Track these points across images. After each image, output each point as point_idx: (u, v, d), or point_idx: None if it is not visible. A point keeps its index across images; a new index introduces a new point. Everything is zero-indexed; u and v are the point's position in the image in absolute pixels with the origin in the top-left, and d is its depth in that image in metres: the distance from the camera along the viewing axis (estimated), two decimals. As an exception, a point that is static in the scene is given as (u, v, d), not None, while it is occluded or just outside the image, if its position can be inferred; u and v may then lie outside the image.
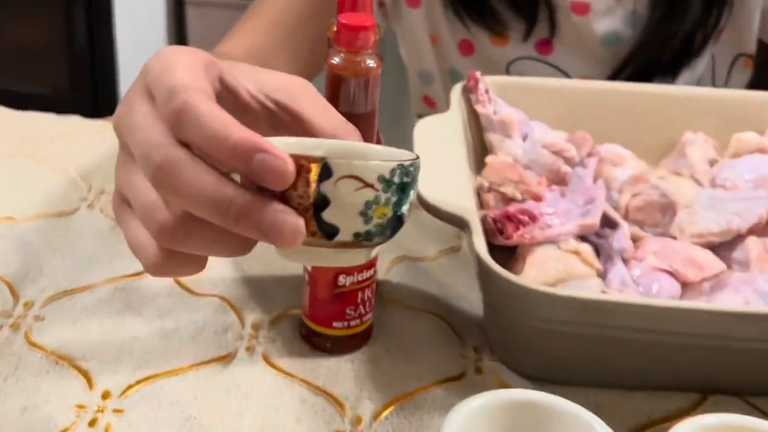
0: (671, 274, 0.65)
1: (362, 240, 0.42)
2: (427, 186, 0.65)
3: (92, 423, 0.55)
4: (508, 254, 0.67)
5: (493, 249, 0.61)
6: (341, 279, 0.60)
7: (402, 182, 0.42)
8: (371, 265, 0.61)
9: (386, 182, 0.41)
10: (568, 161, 0.77)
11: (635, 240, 0.69)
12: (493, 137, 0.78)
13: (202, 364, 0.60)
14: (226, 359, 0.61)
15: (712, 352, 0.59)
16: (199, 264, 0.43)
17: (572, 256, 0.65)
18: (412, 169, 0.42)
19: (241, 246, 0.41)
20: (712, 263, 0.65)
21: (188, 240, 0.41)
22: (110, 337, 0.62)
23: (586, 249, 0.65)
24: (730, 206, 0.69)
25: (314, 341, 0.63)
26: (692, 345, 0.59)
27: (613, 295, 0.59)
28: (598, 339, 0.59)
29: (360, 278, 0.61)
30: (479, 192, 0.71)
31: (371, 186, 0.40)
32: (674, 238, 0.70)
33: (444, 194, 0.65)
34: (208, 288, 0.68)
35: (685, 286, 0.65)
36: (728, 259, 0.68)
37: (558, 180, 0.76)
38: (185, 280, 0.69)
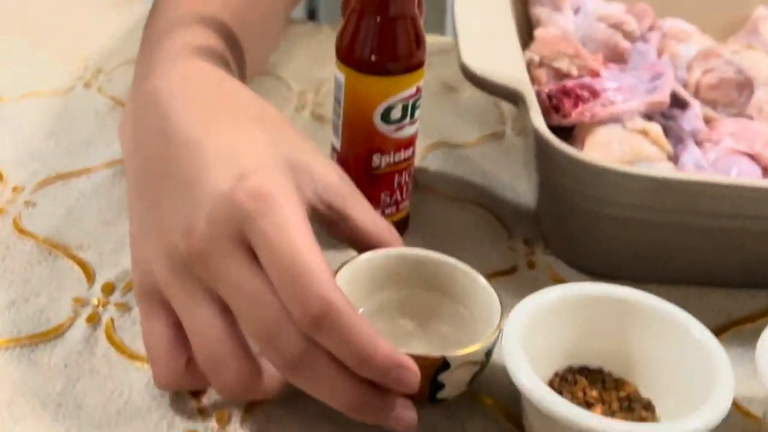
0: (752, 157, 0.57)
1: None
2: (475, 57, 0.57)
3: (91, 318, 0.47)
4: (564, 137, 0.58)
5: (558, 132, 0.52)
6: (375, 159, 0.52)
7: (486, 359, 0.43)
8: (409, 143, 0.53)
9: (489, 353, 0.43)
10: (628, 36, 0.68)
11: (707, 122, 0.60)
12: (540, 11, 0.69)
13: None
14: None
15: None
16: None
17: (639, 136, 0.56)
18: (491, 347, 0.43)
19: None
20: (799, 146, 0.57)
21: (252, 394, 0.41)
22: (110, 226, 0.54)
23: (656, 128, 0.57)
24: (817, 82, 0.61)
25: (343, 232, 0.55)
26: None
27: (699, 175, 0.51)
28: (675, 227, 0.51)
29: (396, 159, 0.52)
30: (529, 67, 0.62)
31: (481, 363, 0.43)
32: (751, 118, 0.61)
33: (494, 66, 0.56)
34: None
35: (766, 171, 0.57)
36: (814, 142, 0.59)
37: (616, 57, 0.67)
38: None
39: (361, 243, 0.46)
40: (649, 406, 0.44)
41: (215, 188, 0.38)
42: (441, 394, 0.42)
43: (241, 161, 0.40)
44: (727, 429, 0.42)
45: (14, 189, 0.57)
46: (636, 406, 0.44)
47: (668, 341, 0.44)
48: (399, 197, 0.54)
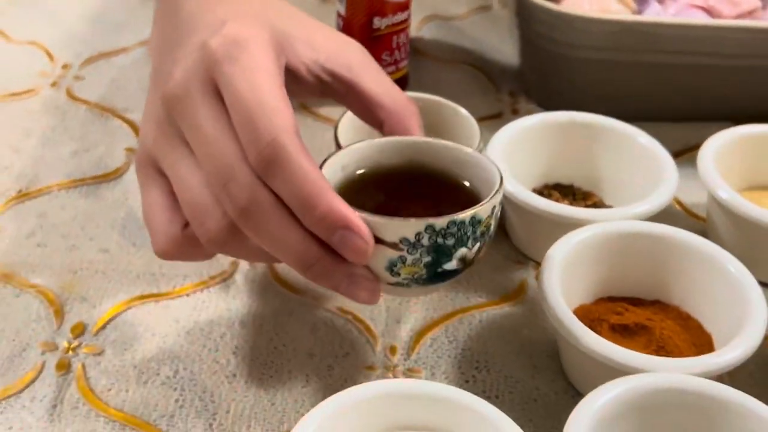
0: (706, 10, 0.65)
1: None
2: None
3: (143, 163, 0.57)
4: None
5: None
6: (376, 22, 0.60)
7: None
8: (405, 6, 0.61)
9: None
10: None
11: (670, -17, 0.68)
12: None
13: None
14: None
15: (746, 73, 0.60)
16: (210, 256, 0.41)
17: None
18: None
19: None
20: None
21: (237, 249, 0.38)
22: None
23: (622, -12, 0.64)
24: (768, -57, 0.68)
25: (351, 90, 0.64)
26: (727, 68, 0.59)
27: (650, 17, 0.59)
28: (636, 66, 0.59)
29: (394, 21, 0.60)
30: (510, -58, 0.70)
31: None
32: (710, -21, 0.68)
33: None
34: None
35: (721, 22, 0.65)
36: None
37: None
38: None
39: (374, 115, 0.43)
40: None
41: (195, 41, 0.39)
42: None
43: (227, 22, 0.39)
44: (678, 224, 0.51)
45: (63, 66, 0.65)
46: None
47: (623, 154, 0.53)
48: (398, 57, 0.62)
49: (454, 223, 0.38)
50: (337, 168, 0.42)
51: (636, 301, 0.47)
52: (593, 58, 0.59)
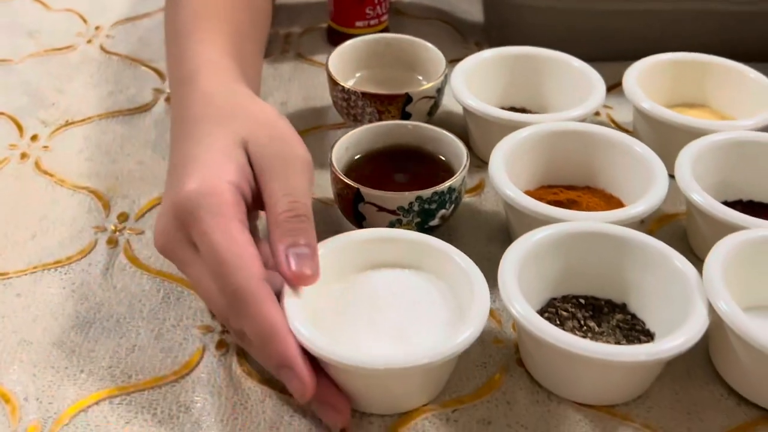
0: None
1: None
2: None
3: (167, 99, 0.68)
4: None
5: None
6: (360, -19, 0.72)
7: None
8: (385, -33, 0.72)
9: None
10: None
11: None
12: None
13: (249, 61, 0.73)
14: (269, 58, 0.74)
15: (675, 15, 0.71)
16: None
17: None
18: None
19: None
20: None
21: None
22: (171, 47, 0.75)
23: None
24: None
25: (340, 41, 0.75)
26: (657, 11, 0.70)
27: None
28: (577, 13, 0.71)
29: (376, -20, 0.72)
30: None
31: (434, 97, 0.59)
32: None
33: None
34: (246, 12, 0.80)
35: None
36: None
37: None
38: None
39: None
40: None
41: (166, 198, 0.47)
42: (411, 119, 0.62)
43: (188, 172, 0.45)
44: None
45: (96, 28, 0.77)
46: None
47: (562, 78, 0.64)
48: (380, 11, 0.74)
49: (436, 193, 0.52)
50: (342, 150, 0.55)
51: (570, 187, 0.58)
52: (540, 6, 0.70)
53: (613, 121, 0.67)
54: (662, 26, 0.72)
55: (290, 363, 0.42)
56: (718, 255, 0.46)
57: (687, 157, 0.55)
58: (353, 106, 0.62)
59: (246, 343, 0.46)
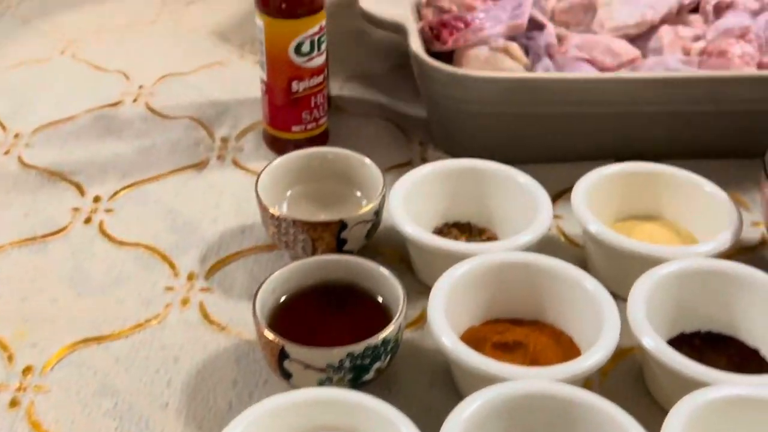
0: (591, 62, 0.73)
1: None
2: (369, 1, 0.72)
3: (87, 221, 0.63)
4: (446, 62, 0.74)
5: (439, 57, 0.68)
6: (294, 85, 0.67)
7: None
8: (320, 71, 0.68)
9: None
10: (501, -24, 0.84)
11: (560, 39, 0.76)
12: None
13: (179, 170, 0.69)
14: (200, 166, 0.69)
15: (625, 119, 0.67)
16: None
17: (501, 54, 0.72)
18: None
19: None
20: (628, 50, 0.73)
21: None
22: (95, 156, 0.70)
23: (515, 46, 0.72)
24: (644, 0, 0.76)
25: (277, 146, 0.71)
26: (607, 114, 0.67)
27: (535, 74, 0.67)
28: (525, 117, 0.67)
29: (311, 84, 0.68)
30: (418, 8, 0.78)
31: (372, 221, 0.54)
32: (595, 33, 0.77)
33: (383, 6, 0.72)
34: (178, 112, 0.76)
35: (604, 72, 0.73)
36: (644, 49, 0.75)
37: (492, -5, 0.83)
38: (156, 107, 0.76)
39: None
40: None
41: None
42: (347, 247, 0.58)
43: None
44: (562, 253, 0.59)
45: (15, 135, 0.72)
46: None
47: (508, 194, 0.60)
48: (318, 114, 0.70)
49: (369, 347, 0.47)
50: (268, 293, 0.51)
51: (518, 321, 0.54)
52: (487, 112, 0.66)
53: (564, 234, 0.63)
54: (614, 128, 0.68)
55: None
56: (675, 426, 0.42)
57: (640, 292, 0.51)
58: (284, 233, 0.57)
59: None
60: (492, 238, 0.61)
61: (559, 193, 0.67)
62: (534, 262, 0.53)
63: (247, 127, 0.74)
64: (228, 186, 0.67)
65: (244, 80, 0.80)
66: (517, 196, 0.60)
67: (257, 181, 0.59)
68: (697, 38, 0.75)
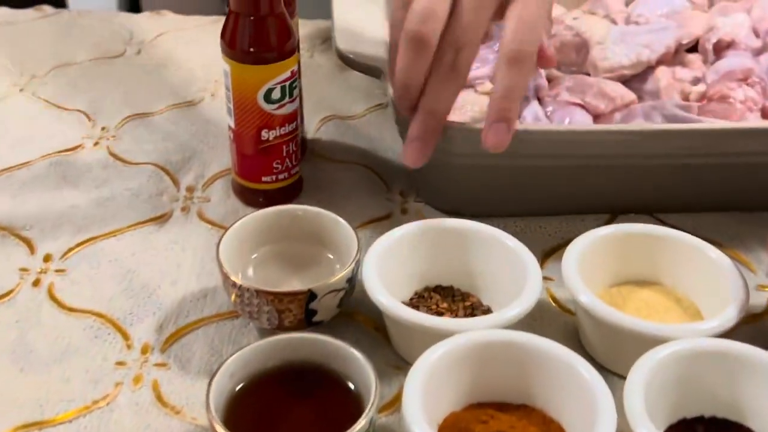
0: (583, 107, 0.68)
1: None
2: (346, 42, 0.67)
3: (36, 283, 0.58)
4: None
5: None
6: (264, 134, 0.62)
7: (354, 275, 0.52)
8: (293, 118, 0.63)
9: (350, 280, 0.52)
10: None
11: (551, 80, 0.72)
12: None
13: (139, 225, 0.63)
14: (162, 219, 0.64)
15: (621, 172, 0.63)
16: None
17: (487, 98, 0.67)
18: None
19: None
20: (623, 93, 0.68)
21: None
22: (49, 208, 0.64)
23: (501, 89, 0.68)
24: (640, 39, 0.72)
25: (247, 197, 0.66)
26: (601, 167, 0.62)
27: (522, 125, 0.62)
28: (513, 169, 0.62)
29: (282, 132, 0.63)
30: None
31: (344, 289, 0.53)
32: (588, 74, 0.72)
33: (361, 48, 0.67)
34: (142, 158, 0.71)
35: (597, 118, 0.68)
36: (640, 91, 0.71)
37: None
38: (118, 152, 0.71)
39: None
40: (488, 311, 0.56)
41: None
42: (316, 318, 0.53)
43: None
44: (552, 320, 0.54)
45: (-36, 184, 0.67)
46: (477, 313, 0.56)
47: (494, 257, 0.55)
48: (290, 164, 0.65)
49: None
50: (225, 378, 0.45)
51: (504, 406, 0.49)
52: (471, 164, 0.61)
53: (555, 299, 0.58)
54: (608, 181, 0.64)
55: (512, 122, 0.54)
56: None
57: (638, 377, 0.46)
58: (248, 304, 0.52)
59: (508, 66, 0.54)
60: (476, 305, 0.56)
61: (550, 251, 0.62)
62: (522, 343, 0.48)
63: (216, 174, 0.69)
64: (191, 242, 0.62)
65: (216, 121, 0.76)
66: (503, 259, 0.55)
67: (219, 244, 0.54)
68: (696, 80, 0.70)
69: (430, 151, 0.56)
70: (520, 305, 0.51)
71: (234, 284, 0.52)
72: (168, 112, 0.77)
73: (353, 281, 0.54)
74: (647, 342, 0.48)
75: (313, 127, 0.75)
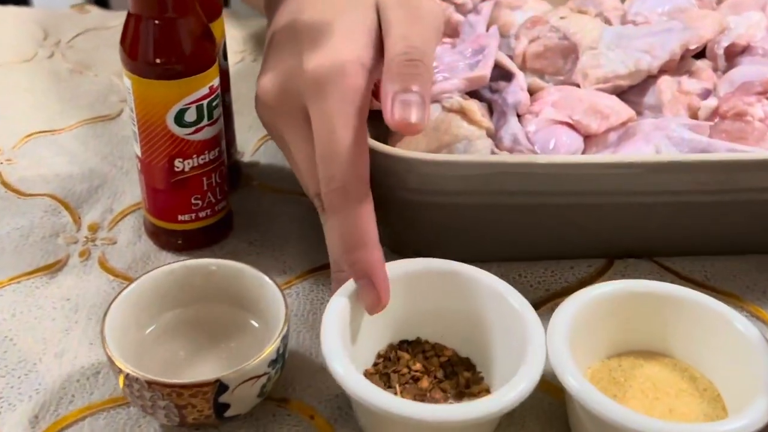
0: (571, 126, 0.56)
1: None
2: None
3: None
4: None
5: (372, 120, 0.51)
6: (178, 163, 0.50)
7: (281, 354, 0.42)
8: (214, 144, 0.51)
9: (274, 362, 0.41)
10: (460, 8, 0.67)
11: (535, 91, 0.60)
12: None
13: (24, 276, 0.51)
14: (54, 268, 0.52)
15: (618, 210, 0.51)
16: None
17: (456, 116, 0.55)
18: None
19: None
20: (619, 110, 0.57)
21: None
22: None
23: (473, 107, 0.56)
24: (638, 43, 0.60)
25: (162, 239, 0.54)
26: (594, 205, 0.51)
27: (495, 157, 0.50)
28: (489, 208, 0.50)
29: (201, 161, 0.51)
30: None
31: (266, 374, 0.41)
32: (578, 85, 0.60)
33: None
34: (39, 186, 0.58)
35: (589, 138, 0.56)
36: (639, 104, 0.59)
37: (450, 31, 0.66)
38: (12, 179, 0.59)
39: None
40: (469, 366, 0.45)
41: (289, 56, 0.46)
42: (229, 413, 0.41)
43: (330, 42, 0.44)
44: (535, 405, 0.43)
45: None
46: (459, 369, 0.45)
47: (472, 298, 0.44)
48: (212, 199, 0.53)
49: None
50: None
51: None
52: (436, 202, 0.49)
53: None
54: (602, 221, 0.52)
55: (373, 274, 0.42)
56: None
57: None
58: (139, 396, 0.40)
59: (329, 220, 0.45)
60: (452, 358, 0.45)
61: (533, 306, 0.50)
62: None
63: (128, 207, 0.57)
64: (87, 299, 0.50)
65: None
66: (483, 298, 0.44)
67: (105, 314, 0.42)
68: (706, 93, 0.59)
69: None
70: (514, 388, 0.39)
71: (120, 371, 0.40)
72: (78, 128, 0.65)
73: (280, 362, 0.42)
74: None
75: (250, 148, 0.63)
